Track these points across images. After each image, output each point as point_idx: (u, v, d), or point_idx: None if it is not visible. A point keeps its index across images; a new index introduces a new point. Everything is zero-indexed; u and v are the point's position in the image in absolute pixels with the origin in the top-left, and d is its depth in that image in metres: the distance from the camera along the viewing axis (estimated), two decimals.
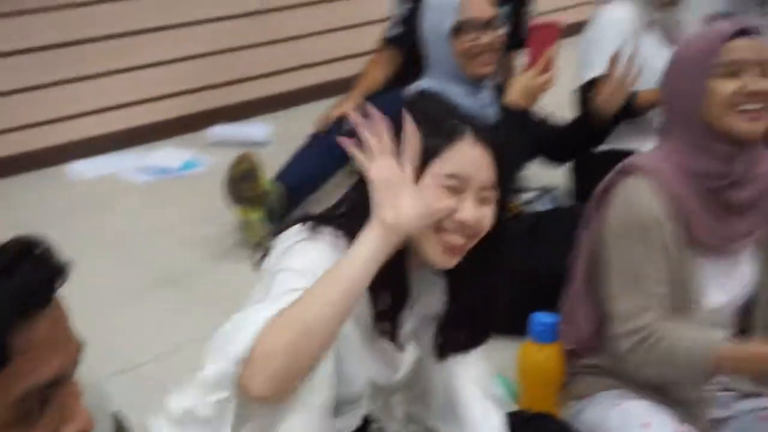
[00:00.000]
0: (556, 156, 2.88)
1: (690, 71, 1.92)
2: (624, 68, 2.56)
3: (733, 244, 1.95)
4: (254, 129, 4.37)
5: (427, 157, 1.53)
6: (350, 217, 1.56)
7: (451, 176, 1.54)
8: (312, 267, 1.47)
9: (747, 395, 2.02)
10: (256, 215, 3.10)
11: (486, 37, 2.57)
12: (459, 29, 2.55)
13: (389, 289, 1.57)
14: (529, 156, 2.72)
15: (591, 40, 3.02)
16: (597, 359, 2.06)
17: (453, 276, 1.66)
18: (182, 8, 4.30)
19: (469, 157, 1.56)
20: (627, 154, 2.94)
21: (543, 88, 2.55)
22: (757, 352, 1.81)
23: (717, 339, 1.84)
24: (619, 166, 1.99)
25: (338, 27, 4.75)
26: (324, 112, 3.54)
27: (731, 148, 1.89)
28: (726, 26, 1.94)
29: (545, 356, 2.13)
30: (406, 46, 3.58)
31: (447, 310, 1.69)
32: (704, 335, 1.86)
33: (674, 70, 1.98)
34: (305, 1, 4.67)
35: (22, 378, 0.87)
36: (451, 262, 1.58)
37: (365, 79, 3.62)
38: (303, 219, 1.61)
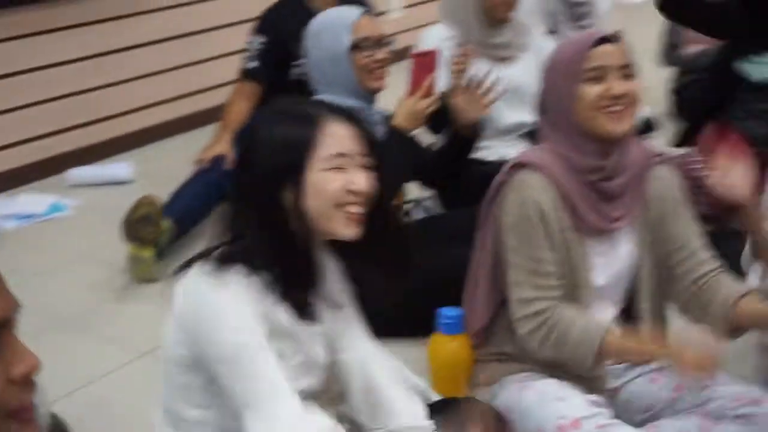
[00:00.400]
0: (431, 177, 3.05)
1: (561, 77, 2.11)
2: (475, 83, 2.78)
3: (612, 227, 2.16)
4: (116, 168, 4.36)
5: (304, 149, 1.69)
6: (255, 252, 1.68)
7: (334, 157, 1.70)
8: (240, 319, 1.63)
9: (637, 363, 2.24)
10: (148, 253, 3.15)
11: (380, 53, 2.74)
12: (356, 46, 2.70)
13: (297, 270, 1.73)
14: (410, 175, 2.87)
15: None
16: (501, 347, 2.22)
17: (352, 255, 1.82)
18: (32, 53, 4.25)
19: (339, 135, 1.72)
20: (474, 161, 3.20)
21: (425, 111, 2.72)
22: (637, 346, 2.03)
23: (604, 327, 2.04)
24: (510, 162, 2.17)
25: (190, 62, 4.81)
26: (202, 150, 3.63)
27: (603, 146, 2.09)
28: (590, 34, 2.16)
29: (454, 347, 2.29)
30: (265, 78, 3.71)
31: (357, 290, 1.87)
32: (594, 323, 2.05)
33: (548, 77, 2.16)
34: (157, 39, 4.70)
35: None
36: (358, 231, 1.73)
37: (230, 114, 3.70)
38: (202, 257, 1.71)
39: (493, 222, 2.17)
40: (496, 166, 3.16)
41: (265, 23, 3.76)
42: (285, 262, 1.70)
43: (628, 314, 2.25)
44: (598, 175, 2.11)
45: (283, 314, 1.71)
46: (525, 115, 3.35)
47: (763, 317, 2.10)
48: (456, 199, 3.11)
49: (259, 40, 3.70)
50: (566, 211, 2.10)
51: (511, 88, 3.32)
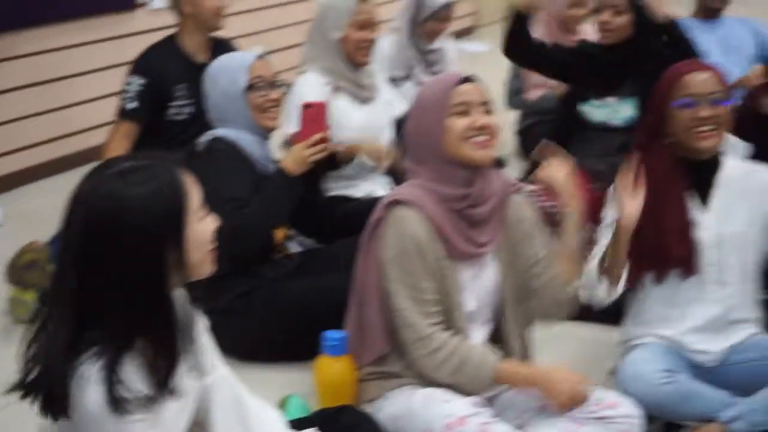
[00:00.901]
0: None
1: (430, 113, 2.32)
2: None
3: (479, 252, 2.37)
4: None
5: (182, 207, 1.65)
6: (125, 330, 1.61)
7: (201, 206, 1.70)
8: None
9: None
10: (30, 296, 3.15)
11: (274, 94, 2.90)
12: (252, 86, 2.86)
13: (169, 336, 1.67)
14: (288, 213, 2.99)
15: (291, 103, 3.40)
16: (387, 366, 2.38)
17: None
18: None
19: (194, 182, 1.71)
20: (341, 198, 3.39)
21: (310, 159, 2.91)
22: (525, 378, 2.27)
23: (495, 359, 2.27)
24: (385, 200, 2.35)
25: (55, 108, 4.80)
26: None
27: (468, 174, 2.32)
28: (454, 75, 2.39)
29: (339, 367, 2.42)
30: (143, 118, 3.77)
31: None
32: (488, 356, 2.28)
33: (416, 114, 2.38)
34: (21, 84, 4.69)
35: None
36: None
37: (110, 154, 3.72)
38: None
39: (373, 257, 2.33)
40: (363, 201, 3.41)
41: (143, 65, 3.84)
42: (160, 331, 1.65)
43: (496, 334, 2.47)
44: (465, 203, 2.32)
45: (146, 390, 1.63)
46: None
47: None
48: (329, 233, 3.25)
49: (138, 82, 3.77)
50: (440, 242, 2.30)
51: (372, 127, 3.55)
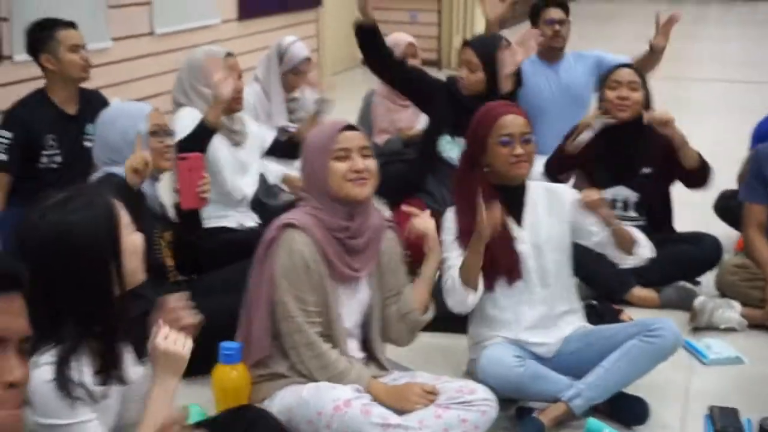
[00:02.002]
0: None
1: (316, 155, 2.61)
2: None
3: (355, 276, 2.66)
4: None
5: (115, 226, 1.94)
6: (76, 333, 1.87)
7: (131, 222, 2.01)
8: None
9: None
10: None
11: (169, 140, 3.10)
12: (153, 133, 3.04)
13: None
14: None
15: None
16: (274, 368, 2.62)
17: None
18: None
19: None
20: (217, 229, 3.61)
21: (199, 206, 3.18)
22: (386, 395, 2.55)
23: (369, 375, 2.60)
24: (279, 222, 2.60)
25: None
26: None
27: (349, 209, 2.61)
28: (338, 122, 2.67)
29: (236, 374, 2.60)
30: (14, 169, 3.86)
31: None
32: (364, 372, 2.60)
33: (306, 155, 2.66)
34: None
35: None
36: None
37: None
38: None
39: (267, 271, 2.57)
40: (239, 231, 3.65)
41: (11, 120, 3.94)
42: (105, 331, 1.90)
43: (365, 346, 2.77)
44: (345, 234, 2.62)
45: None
46: (251, 189, 3.90)
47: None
48: (210, 262, 3.45)
49: (6, 135, 3.87)
50: (323, 263, 2.58)
51: (241, 165, 3.81)
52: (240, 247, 3.49)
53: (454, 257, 2.88)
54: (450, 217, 2.97)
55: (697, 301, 3.56)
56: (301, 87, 4.76)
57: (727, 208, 4.29)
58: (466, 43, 4.04)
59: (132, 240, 2.00)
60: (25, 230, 1.90)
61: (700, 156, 3.71)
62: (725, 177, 4.22)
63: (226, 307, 2.82)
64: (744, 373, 3.25)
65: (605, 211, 2.99)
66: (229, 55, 3.87)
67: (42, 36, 3.94)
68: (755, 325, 3.56)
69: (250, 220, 3.90)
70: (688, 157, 3.66)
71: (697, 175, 3.74)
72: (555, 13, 4.71)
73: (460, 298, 2.84)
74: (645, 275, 3.69)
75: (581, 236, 3.01)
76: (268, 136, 4.10)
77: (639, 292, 3.75)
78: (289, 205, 3.93)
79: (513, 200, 2.94)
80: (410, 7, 9.91)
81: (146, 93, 5.64)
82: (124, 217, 1.98)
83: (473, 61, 3.91)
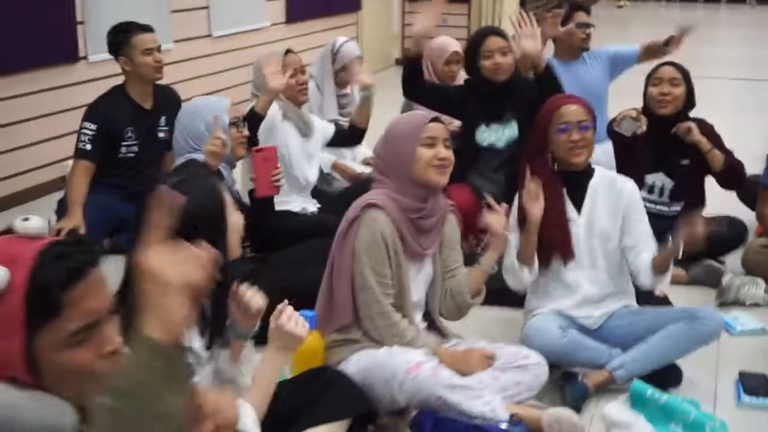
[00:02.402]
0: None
1: (403, 141, 2.73)
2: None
3: (424, 254, 2.84)
4: None
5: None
6: None
7: None
8: None
9: None
10: None
11: (245, 130, 3.36)
12: (232, 124, 3.27)
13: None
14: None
15: None
16: (348, 334, 2.80)
17: None
18: None
19: None
20: (283, 213, 3.78)
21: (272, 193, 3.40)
22: (450, 360, 2.69)
23: (435, 343, 2.78)
24: (361, 201, 2.75)
25: (8, 149, 4.97)
26: (56, 224, 3.95)
27: (425, 193, 2.78)
28: (425, 114, 2.83)
29: (311, 340, 2.79)
30: (97, 158, 4.11)
31: None
32: (430, 339, 2.79)
33: (391, 140, 2.78)
34: None
35: (70, 320, 1.26)
36: None
37: (73, 190, 4.05)
38: None
39: (349, 246, 2.74)
40: (302, 215, 3.86)
41: (95, 113, 4.20)
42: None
43: (427, 318, 2.96)
44: (418, 215, 2.79)
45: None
46: (314, 176, 4.10)
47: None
48: (276, 241, 3.66)
49: (91, 127, 4.12)
50: (399, 241, 2.75)
51: (308, 155, 4.00)
52: (304, 229, 3.71)
53: (515, 238, 3.07)
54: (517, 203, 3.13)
55: (725, 279, 3.73)
56: (351, 84, 4.95)
57: (750, 193, 4.43)
58: (491, 32, 4.17)
59: (235, 218, 2.19)
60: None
61: (727, 158, 3.88)
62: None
63: (295, 282, 3.06)
64: None
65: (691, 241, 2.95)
66: (289, 51, 4.06)
67: (119, 40, 4.19)
68: None
69: (312, 205, 4.10)
70: (714, 161, 3.84)
71: (727, 177, 3.92)
72: (585, 17, 4.92)
73: (518, 277, 3.04)
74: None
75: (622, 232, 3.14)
76: (329, 129, 4.29)
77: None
78: (346, 191, 4.18)
79: (576, 186, 3.12)
80: (443, 11, 10.03)
81: (204, 90, 5.87)
82: (228, 198, 2.18)
83: (505, 45, 4.05)
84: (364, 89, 4.24)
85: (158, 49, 4.25)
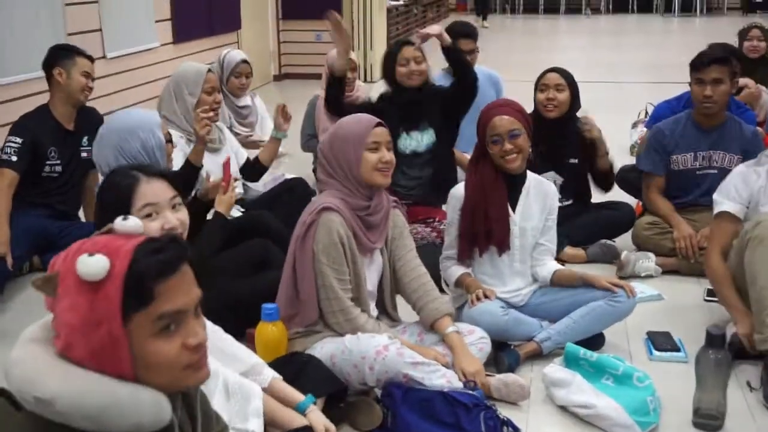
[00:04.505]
0: None
1: (350, 145, 2.84)
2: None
3: (373, 248, 2.99)
4: None
5: (121, 205, 2.10)
6: None
7: (146, 206, 2.17)
8: None
9: None
10: None
11: (171, 146, 3.26)
12: (167, 141, 3.17)
13: None
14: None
15: None
16: (309, 327, 2.93)
17: None
18: None
19: (150, 188, 2.19)
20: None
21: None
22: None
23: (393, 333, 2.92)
24: (316, 206, 2.87)
25: None
26: None
27: (370, 192, 2.92)
28: (371, 118, 2.92)
29: (276, 329, 2.90)
30: (20, 170, 4.06)
31: None
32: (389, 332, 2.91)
33: (337, 143, 2.87)
34: None
35: (160, 309, 1.33)
36: None
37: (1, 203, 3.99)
38: None
39: (309, 248, 2.85)
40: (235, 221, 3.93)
41: (21, 128, 4.15)
42: None
43: (379, 307, 3.12)
44: (366, 212, 2.93)
45: None
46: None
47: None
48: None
49: (16, 140, 4.07)
50: (352, 238, 2.89)
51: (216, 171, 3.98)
52: (240, 229, 3.77)
53: (453, 237, 3.31)
54: (454, 196, 3.33)
55: (623, 255, 4.08)
56: (247, 92, 5.06)
57: (626, 180, 4.82)
58: (406, 42, 4.38)
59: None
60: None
61: (611, 166, 4.25)
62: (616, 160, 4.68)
63: (267, 281, 3.20)
64: (665, 306, 3.80)
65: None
66: (209, 71, 4.07)
67: (61, 55, 4.19)
68: (666, 271, 4.12)
69: (236, 211, 4.13)
70: (602, 161, 4.20)
71: (604, 178, 4.29)
72: (469, 44, 5.16)
73: (451, 276, 3.35)
74: (573, 236, 4.20)
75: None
76: (242, 153, 4.36)
77: (570, 250, 4.24)
78: (269, 194, 4.29)
79: (512, 187, 3.32)
80: (315, 28, 10.25)
81: (102, 111, 5.80)
82: (141, 201, 2.17)
83: (419, 55, 4.29)
84: (277, 131, 4.35)
85: (92, 79, 4.27)
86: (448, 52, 4.31)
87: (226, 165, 3.53)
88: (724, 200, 3.39)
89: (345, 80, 4.30)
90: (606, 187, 4.37)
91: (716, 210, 3.43)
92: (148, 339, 1.33)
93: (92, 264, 1.30)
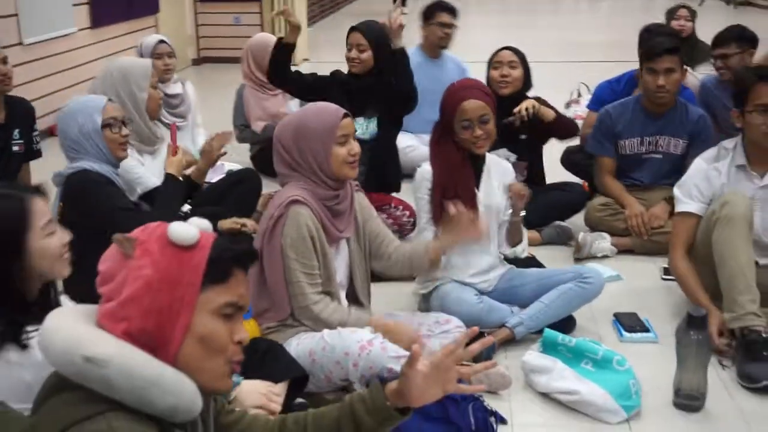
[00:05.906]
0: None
1: (320, 139, 2.73)
2: None
3: (341, 236, 2.88)
4: None
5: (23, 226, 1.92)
6: None
7: (46, 224, 1.97)
8: None
9: None
10: None
11: (125, 130, 3.07)
12: (107, 125, 3.00)
13: None
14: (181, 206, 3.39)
15: None
16: (281, 322, 2.80)
17: None
18: None
19: (44, 209, 1.98)
20: None
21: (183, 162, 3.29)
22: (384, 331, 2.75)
23: (367, 317, 2.81)
24: (283, 199, 2.73)
25: None
26: None
27: (337, 183, 2.81)
28: (338, 109, 2.78)
29: (248, 327, 2.79)
30: None
31: None
32: (362, 315, 2.81)
33: (304, 137, 2.74)
34: None
35: (229, 292, 1.41)
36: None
37: None
38: None
39: (277, 244, 2.73)
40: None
41: None
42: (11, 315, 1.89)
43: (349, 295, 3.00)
44: (333, 201, 2.82)
45: None
46: None
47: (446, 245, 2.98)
48: None
49: None
50: (321, 230, 2.77)
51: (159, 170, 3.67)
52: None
53: (426, 219, 3.21)
54: (423, 176, 3.23)
55: (580, 237, 4.06)
56: (174, 75, 4.88)
57: (573, 161, 4.83)
58: (353, 28, 4.24)
59: (46, 242, 1.95)
60: None
61: (557, 113, 4.21)
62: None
63: None
64: (625, 286, 3.80)
65: (520, 204, 3.31)
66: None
67: None
68: (621, 251, 4.12)
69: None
70: (546, 114, 4.13)
71: (560, 126, 4.23)
72: (448, 18, 5.18)
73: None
74: (528, 218, 4.13)
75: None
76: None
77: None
78: (216, 186, 4.11)
79: (476, 167, 3.26)
80: (233, 11, 9.98)
81: None
82: (39, 220, 1.94)
83: (362, 42, 4.17)
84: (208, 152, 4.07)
85: (3, 60, 3.97)
86: (393, 52, 4.17)
87: (173, 128, 3.46)
88: (687, 200, 3.38)
89: (294, 47, 4.15)
90: (568, 133, 4.35)
91: (678, 209, 3.42)
92: (212, 316, 1.39)
93: (186, 229, 1.40)
